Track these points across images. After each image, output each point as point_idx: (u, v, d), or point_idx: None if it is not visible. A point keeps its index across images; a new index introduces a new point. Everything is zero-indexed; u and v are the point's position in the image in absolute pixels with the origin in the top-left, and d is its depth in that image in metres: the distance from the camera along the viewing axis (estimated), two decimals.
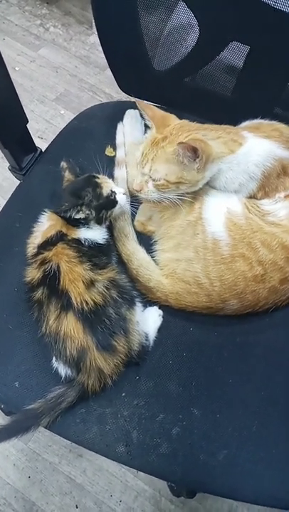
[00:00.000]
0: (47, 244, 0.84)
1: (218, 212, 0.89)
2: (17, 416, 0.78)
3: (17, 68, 2.11)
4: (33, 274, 0.83)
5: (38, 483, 1.38)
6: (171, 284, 0.90)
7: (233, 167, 0.88)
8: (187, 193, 0.90)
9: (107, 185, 0.90)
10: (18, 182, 1.10)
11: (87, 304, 0.76)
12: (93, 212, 0.87)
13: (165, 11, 0.98)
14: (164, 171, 0.86)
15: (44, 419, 0.78)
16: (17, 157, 1.03)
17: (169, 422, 0.81)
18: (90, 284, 0.78)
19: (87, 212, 0.87)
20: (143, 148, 0.90)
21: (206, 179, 0.89)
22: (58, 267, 0.80)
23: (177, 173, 0.86)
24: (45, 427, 0.80)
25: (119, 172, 1.05)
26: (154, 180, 0.88)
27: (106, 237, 0.91)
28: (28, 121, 1.00)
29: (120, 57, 1.06)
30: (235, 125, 0.97)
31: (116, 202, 0.91)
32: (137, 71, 1.08)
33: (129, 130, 1.09)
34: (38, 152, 1.08)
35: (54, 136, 1.93)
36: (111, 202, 0.90)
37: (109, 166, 1.06)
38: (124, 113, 1.11)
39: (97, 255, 0.85)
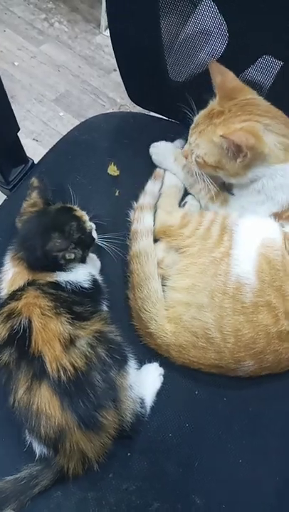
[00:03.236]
0: (15, 292, 0.68)
1: (250, 247, 0.75)
2: None
3: (16, 63, 1.98)
4: None
5: None
6: (174, 334, 0.75)
7: (276, 177, 0.77)
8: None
9: (86, 218, 0.77)
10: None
11: (65, 371, 0.60)
12: (79, 252, 0.73)
13: (188, 8, 0.83)
14: (204, 150, 0.78)
15: (11, 504, 0.62)
16: (4, 169, 0.87)
17: None
18: (70, 343, 0.62)
19: (75, 251, 0.72)
20: (198, 117, 0.81)
21: (247, 179, 0.79)
22: (30, 322, 0.64)
23: (217, 158, 0.77)
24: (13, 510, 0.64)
25: (151, 186, 0.90)
26: (195, 154, 0.80)
27: (91, 278, 0.76)
28: (19, 129, 0.84)
29: (133, 62, 0.92)
30: None
31: (94, 239, 0.78)
32: (150, 79, 0.93)
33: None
34: (30, 164, 0.93)
35: (50, 140, 1.81)
36: (92, 239, 0.77)
37: (111, 187, 0.91)
38: (132, 126, 0.97)
39: (81, 302, 0.70)
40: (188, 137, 0.82)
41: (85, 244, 0.75)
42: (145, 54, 0.88)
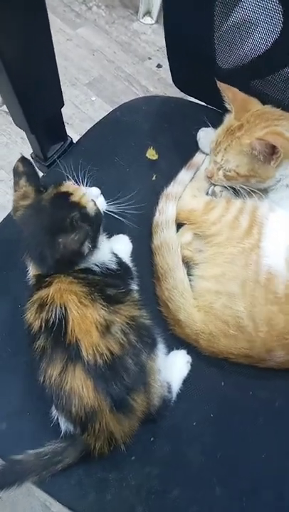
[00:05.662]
0: (42, 278, 0.66)
1: (281, 240, 0.75)
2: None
3: None
4: (31, 318, 0.64)
5: (9, 506, 1.23)
6: (204, 321, 0.75)
7: None
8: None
9: (85, 198, 0.68)
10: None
11: (101, 355, 0.59)
12: (92, 240, 0.67)
13: None
14: (235, 163, 0.82)
15: (32, 477, 0.62)
16: (43, 144, 0.86)
17: (185, 500, 0.66)
18: (106, 329, 0.61)
19: (87, 245, 0.65)
20: (217, 136, 0.84)
21: (275, 179, 0.82)
22: (65, 311, 0.61)
23: (249, 166, 0.81)
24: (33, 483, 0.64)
25: (183, 175, 0.89)
26: (224, 169, 0.83)
27: (115, 258, 0.73)
28: (63, 105, 0.83)
29: (182, 46, 0.90)
30: None
31: (101, 214, 0.71)
32: (197, 65, 0.91)
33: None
34: (68, 142, 0.92)
35: (80, 123, 1.80)
36: (99, 217, 0.70)
37: (148, 170, 0.90)
38: (173, 111, 0.96)
39: (113, 283, 0.68)
40: (212, 157, 0.86)
41: (94, 229, 0.68)
42: (195, 38, 0.87)
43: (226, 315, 0.73)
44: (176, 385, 0.71)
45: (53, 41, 0.79)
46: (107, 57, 1.99)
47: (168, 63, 0.97)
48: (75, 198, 0.68)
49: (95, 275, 0.68)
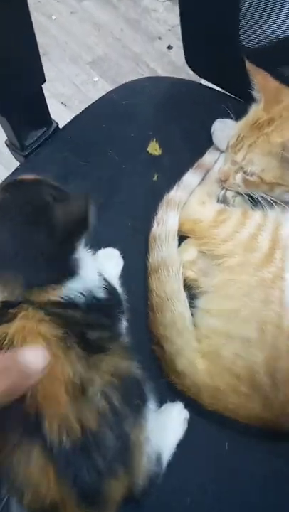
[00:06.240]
0: (4, 307, 0.48)
1: None
2: None
3: (54, 17, 1.83)
4: None
5: None
6: (208, 372, 0.59)
7: None
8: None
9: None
10: None
11: (70, 432, 0.42)
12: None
13: None
14: (260, 166, 0.67)
15: None
16: (19, 130, 0.70)
17: None
18: (80, 392, 0.44)
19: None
20: (240, 129, 0.70)
21: None
22: None
23: (276, 172, 0.67)
24: None
25: (189, 177, 0.73)
26: (245, 172, 0.68)
27: (104, 282, 0.56)
28: (44, 80, 0.66)
29: (200, 19, 0.72)
30: None
31: (88, 220, 0.52)
32: (217, 41, 0.74)
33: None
34: (53, 128, 0.75)
35: (79, 105, 1.65)
36: (83, 221, 0.51)
37: (149, 168, 0.74)
38: (184, 96, 0.80)
39: (97, 322, 0.52)
40: (230, 155, 0.71)
41: (80, 232, 0.52)
42: (216, 11, 0.70)
43: (238, 366, 0.57)
44: (168, 451, 0.55)
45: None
46: (113, 35, 1.85)
47: (180, 43, 0.81)
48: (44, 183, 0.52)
49: (76, 309, 0.51)
